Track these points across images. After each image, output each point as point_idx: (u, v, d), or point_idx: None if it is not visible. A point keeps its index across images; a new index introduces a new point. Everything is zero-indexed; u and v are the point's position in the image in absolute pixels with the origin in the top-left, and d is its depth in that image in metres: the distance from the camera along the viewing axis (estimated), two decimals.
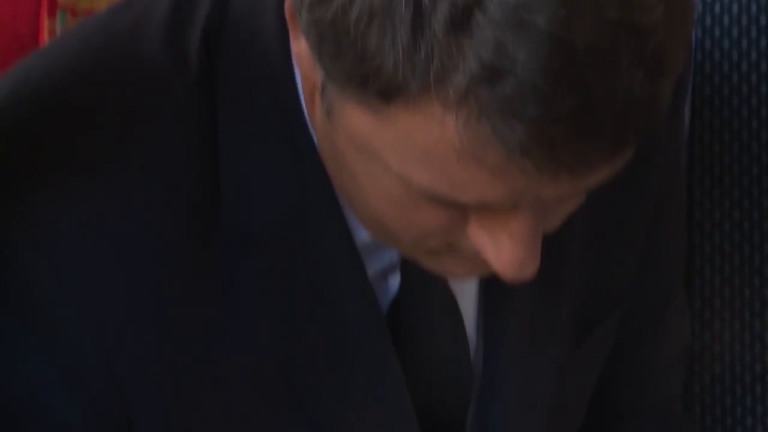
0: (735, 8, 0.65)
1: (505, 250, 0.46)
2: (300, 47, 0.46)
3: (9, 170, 0.54)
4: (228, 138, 0.54)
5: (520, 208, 0.44)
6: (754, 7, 0.65)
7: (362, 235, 0.56)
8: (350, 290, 0.58)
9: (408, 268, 0.57)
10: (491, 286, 0.60)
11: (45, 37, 0.97)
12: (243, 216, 0.55)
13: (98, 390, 0.56)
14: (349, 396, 0.61)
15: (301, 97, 0.52)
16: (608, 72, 0.39)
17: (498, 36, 0.37)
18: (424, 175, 0.43)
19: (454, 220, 0.46)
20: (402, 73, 0.38)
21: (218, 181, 0.55)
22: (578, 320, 0.66)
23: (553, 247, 0.55)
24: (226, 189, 0.55)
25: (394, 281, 0.59)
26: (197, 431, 0.59)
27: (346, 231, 0.56)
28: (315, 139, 0.53)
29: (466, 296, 0.62)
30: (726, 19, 0.65)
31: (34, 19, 1.01)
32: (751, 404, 0.71)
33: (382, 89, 0.40)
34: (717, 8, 0.65)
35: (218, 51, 0.55)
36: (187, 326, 0.56)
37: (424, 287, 0.60)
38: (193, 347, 0.56)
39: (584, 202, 0.51)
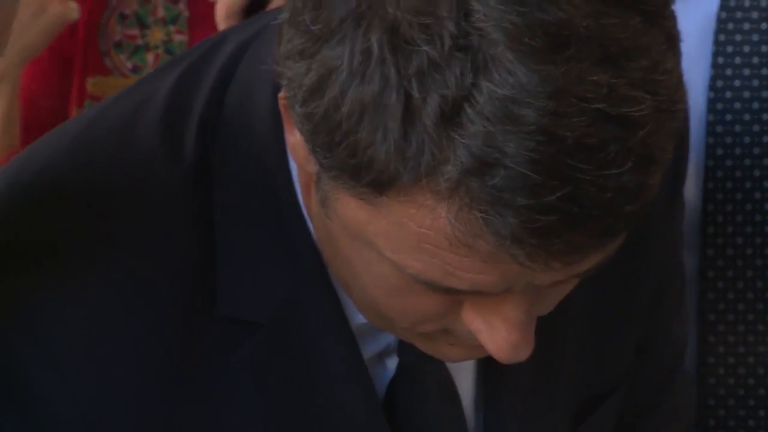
0: (746, 72, 0.66)
1: (499, 333, 0.46)
2: (295, 139, 0.46)
3: (3, 260, 0.54)
4: (224, 228, 0.54)
5: (513, 292, 0.45)
6: (765, 71, 0.65)
7: (359, 318, 0.55)
8: (345, 374, 0.58)
9: (405, 350, 0.56)
10: (489, 369, 0.59)
11: None
12: (239, 303, 0.55)
13: None
14: None
15: (296, 187, 0.52)
16: (597, 163, 0.39)
17: (488, 129, 0.38)
18: (417, 262, 0.43)
19: (448, 306, 0.47)
20: (394, 166, 0.39)
21: (215, 271, 0.54)
22: (577, 402, 0.65)
23: (551, 332, 0.56)
24: (223, 277, 0.54)
25: (392, 363, 0.59)
26: None
27: (341, 316, 0.56)
28: (311, 227, 0.53)
29: (464, 379, 0.61)
30: (737, 82, 0.66)
31: (63, 110, 1.05)
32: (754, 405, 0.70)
33: (374, 181, 0.40)
34: (728, 72, 0.66)
35: (214, 144, 0.55)
36: (182, 416, 0.56)
37: (421, 369, 0.60)
38: None
39: (583, 288, 0.51)
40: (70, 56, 1.03)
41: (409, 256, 0.43)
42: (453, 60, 0.39)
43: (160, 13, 1.02)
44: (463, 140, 0.38)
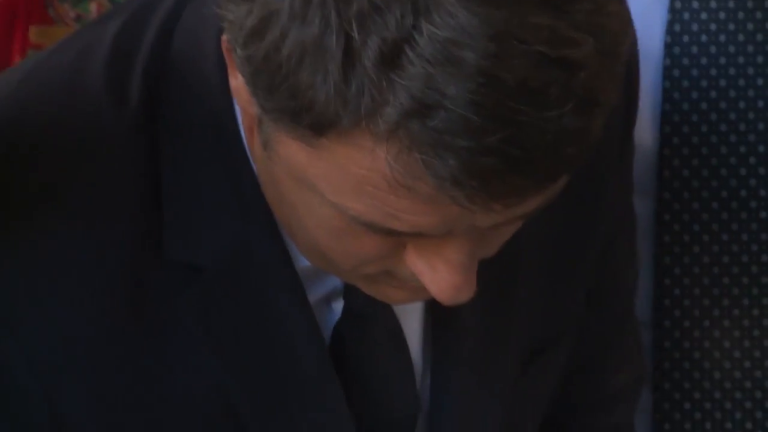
0: (704, 15, 0.66)
1: (441, 275, 0.46)
2: (237, 82, 0.46)
3: None
4: (170, 173, 0.55)
5: (454, 235, 0.45)
6: (722, 14, 0.66)
7: (304, 262, 0.56)
8: (291, 317, 0.59)
9: (351, 293, 0.58)
10: (437, 313, 0.61)
11: None
12: (185, 247, 0.56)
13: (39, 426, 0.57)
14: (292, 425, 0.62)
15: (242, 132, 0.53)
16: (538, 105, 0.39)
17: (428, 71, 0.38)
18: (358, 204, 0.44)
19: (390, 248, 0.47)
20: (333, 108, 0.39)
21: (161, 215, 0.55)
22: (526, 347, 0.66)
23: (501, 276, 0.58)
24: (169, 222, 0.55)
25: (338, 306, 0.60)
26: None
27: (287, 259, 0.57)
28: (256, 171, 0.54)
29: (411, 322, 0.62)
30: (695, 26, 0.66)
31: (5, 59, 1.06)
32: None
33: (314, 123, 0.41)
34: (686, 15, 0.66)
35: (159, 88, 0.56)
36: (129, 362, 0.56)
37: (367, 312, 0.60)
38: (136, 383, 0.57)
39: (536, 233, 0.55)
40: (13, 6, 1.02)
41: (350, 198, 0.44)
42: (394, 2, 0.38)
43: None
44: (402, 82, 0.38)
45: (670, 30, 0.67)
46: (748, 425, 0.73)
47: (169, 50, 0.57)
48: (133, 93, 0.55)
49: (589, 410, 0.77)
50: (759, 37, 0.66)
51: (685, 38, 0.67)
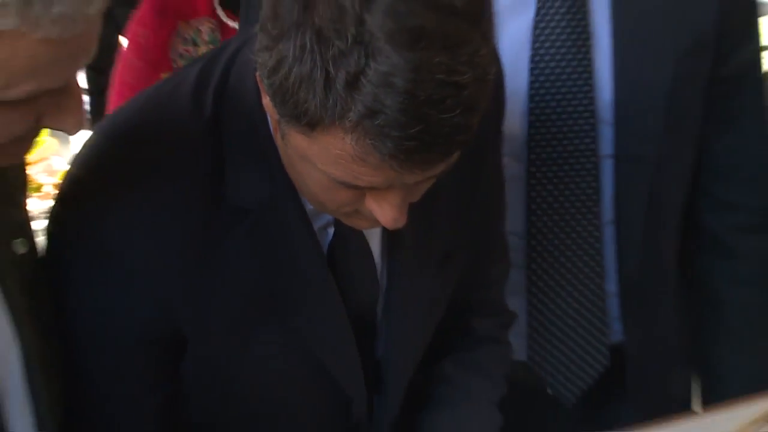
0: (552, 50, 1.04)
1: (386, 212, 0.67)
2: (266, 100, 0.64)
3: (89, 187, 0.76)
4: (229, 154, 0.76)
5: (393, 188, 0.65)
6: (560, 45, 1.05)
7: (309, 206, 0.77)
8: (304, 238, 0.79)
9: (338, 224, 0.80)
10: (387, 233, 0.84)
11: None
12: (239, 198, 0.76)
13: (150, 333, 0.78)
14: (306, 303, 0.82)
15: (271, 130, 0.72)
16: (439, 110, 0.57)
17: (374, 91, 0.56)
18: (336, 171, 0.63)
19: (356, 196, 0.68)
20: (319, 113, 0.57)
21: (224, 180, 0.75)
22: (441, 252, 0.91)
23: (426, 212, 0.81)
24: (228, 184, 0.75)
25: (331, 231, 0.83)
26: (218, 332, 0.79)
27: (300, 205, 0.77)
28: (280, 153, 0.73)
29: (373, 239, 0.86)
30: (547, 55, 1.05)
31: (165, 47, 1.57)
32: None
33: (309, 122, 0.59)
34: (542, 51, 1.04)
35: (222, 105, 0.76)
36: (206, 269, 0.76)
37: (348, 234, 0.83)
38: (210, 283, 0.77)
39: (447, 187, 0.76)
40: (155, 62, 1.51)
41: (331, 167, 0.63)
42: (353, 50, 0.56)
43: (205, 37, 1.55)
44: (359, 98, 0.56)
45: (533, 60, 1.04)
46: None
47: (228, 81, 0.77)
48: (206, 108, 0.76)
49: (480, 287, 1.04)
50: (577, 56, 1.04)
51: (542, 65, 1.03)
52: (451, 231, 0.92)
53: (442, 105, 0.60)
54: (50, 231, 0.82)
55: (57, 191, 0.85)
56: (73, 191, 0.81)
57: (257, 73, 0.67)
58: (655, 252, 1.20)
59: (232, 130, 0.78)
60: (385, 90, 0.58)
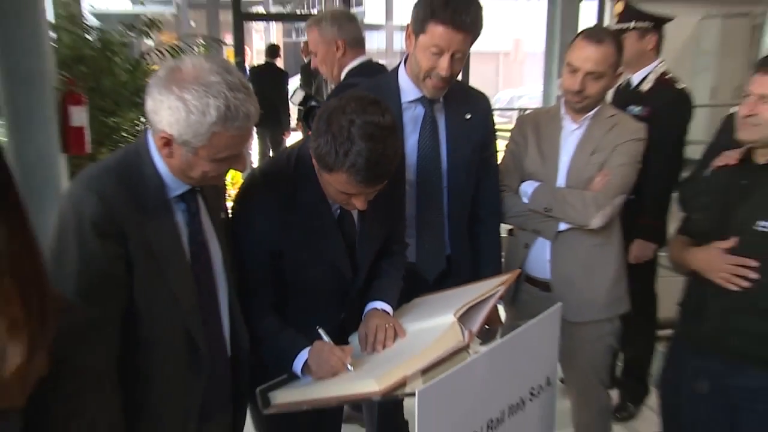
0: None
1: (359, 203, 1.84)
2: (314, 161, 1.81)
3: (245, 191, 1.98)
4: (299, 181, 1.90)
5: (360, 195, 1.81)
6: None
7: (330, 201, 1.92)
8: (328, 213, 1.96)
9: (341, 207, 1.96)
10: (360, 213, 2.00)
11: None
12: (301, 197, 1.90)
13: (271, 245, 1.93)
14: (327, 237, 1.97)
15: (315, 173, 1.85)
16: (380, 166, 1.74)
17: (354, 158, 1.70)
18: (339, 188, 1.79)
19: (350, 197, 1.82)
20: (333, 165, 1.74)
21: (296, 184, 1.90)
22: (381, 219, 2.07)
23: (376, 205, 1.96)
24: (298, 193, 1.91)
25: (337, 208, 1.97)
26: (290, 250, 1.91)
27: (327, 201, 1.92)
28: (320, 182, 1.86)
29: (354, 213, 2.02)
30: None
31: None
32: None
33: (327, 168, 1.76)
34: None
35: (297, 164, 1.93)
36: (287, 224, 1.89)
37: (344, 211, 1.98)
38: (289, 229, 1.89)
39: (382, 195, 1.91)
40: None
41: (339, 186, 1.79)
42: (345, 142, 1.70)
43: None
44: (347, 160, 1.71)
45: (419, 148, 2.44)
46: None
47: (300, 155, 1.93)
48: (291, 165, 1.92)
49: (394, 234, 2.21)
50: (434, 148, 2.55)
51: (422, 151, 2.53)
52: (384, 211, 2.04)
53: (381, 164, 1.72)
54: (235, 204, 1.91)
55: (237, 191, 1.95)
56: (245, 189, 1.91)
57: (311, 150, 1.77)
58: (462, 223, 2.46)
59: (300, 172, 1.89)
60: (357, 158, 1.69)
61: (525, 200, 2.54)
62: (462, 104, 2.42)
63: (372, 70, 3.10)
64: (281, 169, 1.96)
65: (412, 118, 2.36)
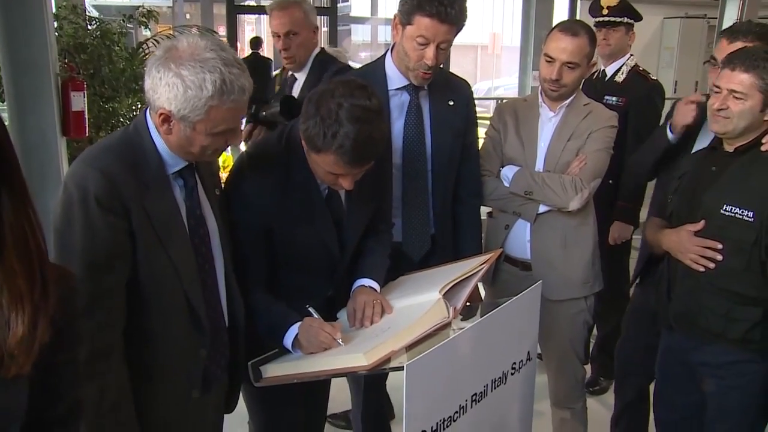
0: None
1: (347, 184, 1.83)
2: (303, 143, 1.80)
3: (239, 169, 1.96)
4: (291, 162, 1.88)
5: (347, 175, 1.82)
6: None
7: (319, 181, 1.91)
8: (317, 192, 1.94)
9: (329, 187, 1.95)
10: (348, 193, 1.98)
11: None
12: (295, 177, 1.89)
13: (264, 222, 1.90)
14: (316, 214, 1.95)
15: (305, 153, 1.84)
16: (366, 147, 1.75)
17: (341, 140, 1.72)
18: (327, 168, 1.80)
19: (337, 177, 1.82)
20: (320, 146, 1.75)
21: (291, 171, 1.88)
22: (367, 198, 2.06)
23: (362, 186, 1.94)
24: (291, 172, 1.88)
25: (325, 188, 1.95)
26: (283, 226, 1.89)
27: (315, 181, 1.91)
28: (309, 162, 1.85)
29: (341, 194, 2.00)
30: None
31: None
32: None
33: (316, 149, 1.77)
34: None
35: (288, 144, 1.92)
36: (281, 203, 1.88)
37: (332, 191, 1.97)
38: (283, 207, 1.88)
39: (368, 176, 1.91)
40: None
41: (327, 167, 1.80)
42: (334, 124, 1.71)
43: None
44: (335, 141, 1.72)
45: (404, 133, 2.45)
46: None
47: (290, 135, 1.92)
48: (282, 144, 1.92)
49: (379, 213, 2.17)
50: (419, 133, 2.54)
51: (408, 136, 2.50)
52: (370, 191, 2.03)
53: (368, 145, 1.74)
54: (227, 185, 1.88)
55: (230, 170, 1.94)
56: (237, 169, 1.91)
57: (300, 132, 1.77)
58: (446, 204, 2.45)
59: (291, 153, 1.87)
60: (345, 139, 1.70)
61: (506, 184, 2.53)
62: (445, 91, 2.42)
63: (330, 58, 3.16)
64: (272, 149, 1.95)
65: (398, 105, 2.36)
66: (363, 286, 2.03)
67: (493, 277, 2.70)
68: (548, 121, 2.59)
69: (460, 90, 2.50)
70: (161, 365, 1.64)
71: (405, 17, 2.19)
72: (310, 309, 1.90)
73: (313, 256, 1.99)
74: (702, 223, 2.16)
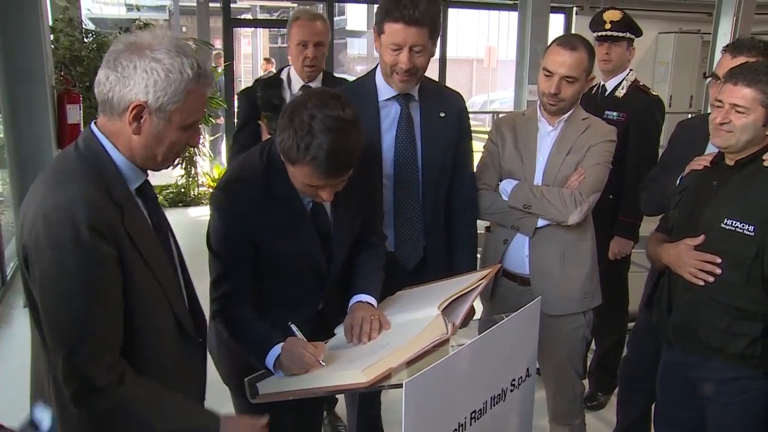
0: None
1: (326, 195, 1.81)
2: (282, 156, 1.78)
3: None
4: (272, 177, 1.86)
5: (326, 187, 1.80)
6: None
7: (300, 194, 1.89)
8: (300, 206, 1.92)
9: (313, 200, 1.92)
10: (333, 205, 1.97)
11: None
12: (277, 189, 1.87)
13: (248, 236, 1.89)
14: (300, 229, 1.94)
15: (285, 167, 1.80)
16: (340, 158, 1.72)
17: (317, 150, 1.69)
18: (305, 181, 1.78)
19: (317, 189, 1.81)
20: (296, 158, 1.73)
21: (272, 185, 1.87)
22: (354, 212, 2.03)
23: (347, 199, 1.96)
24: (273, 186, 1.87)
25: (309, 202, 1.93)
26: (268, 240, 1.88)
27: (297, 194, 1.88)
28: (289, 175, 1.81)
29: (326, 206, 1.97)
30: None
31: None
32: None
33: (292, 161, 1.75)
34: (400, 133, 2.55)
35: (268, 160, 1.88)
36: (263, 215, 1.87)
37: (315, 204, 1.94)
38: (266, 220, 1.87)
39: (352, 189, 1.91)
40: None
41: (304, 179, 1.77)
42: (307, 135, 1.68)
43: None
44: (309, 153, 1.70)
45: (396, 145, 2.40)
46: None
47: (271, 151, 1.89)
48: (264, 161, 1.89)
49: (370, 225, 2.14)
50: (411, 145, 2.51)
51: (399, 148, 2.47)
52: (356, 203, 2.01)
53: (342, 155, 1.71)
54: (212, 201, 1.91)
55: (215, 186, 1.94)
56: (220, 185, 1.90)
57: (278, 146, 1.75)
58: (437, 215, 2.42)
59: (271, 167, 1.87)
60: (318, 151, 1.69)
61: (505, 197, 2.51)
62: (437, 103, 2.42)
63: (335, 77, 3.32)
64: (254, 164, 1.93)
65: (389, 116, 2.37)
66: (360, 302, 2.00)
67: (491, 292, 2.67)
68: (547, 135, 2.57)
69: (452, 101, 2.49)
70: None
71: (378, 27, 2.24)
72: (293, 327, 1.86)
73: (300, 269, 1.98)
74: (702, 237, 2.15)
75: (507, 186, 2.54)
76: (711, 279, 2.09)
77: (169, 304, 1.54)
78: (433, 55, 2.31)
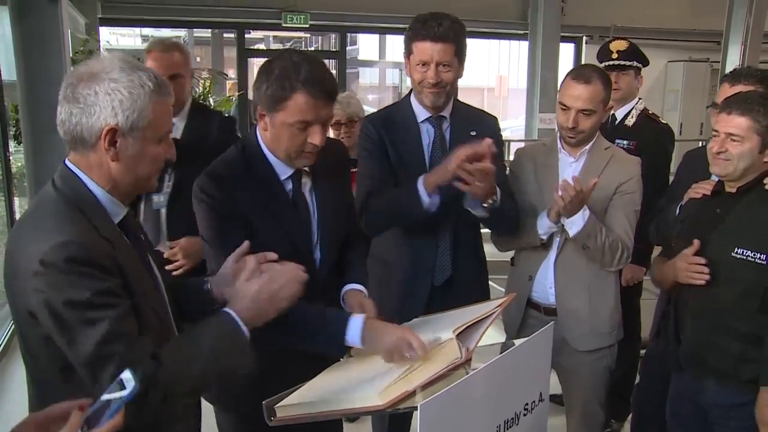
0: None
1: (316, 138, 1.84)
2: (261, 124, 1.89)
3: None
4: (251, 161, 1.92)
5: (317, 125, 1.83)
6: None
7: (283, 178, 1.94)
8: (283, 191, 1.95)
9: (295, 175, 1.95)
10: (318, 198, 2.02)
11: None
12: (258, 173, 1.92)
13: (239, 216, 1.88)
14: (284, 216, 1.95)
15: (260, 142, 1.92)
16: (332, 80, 1.85)
17: (306, 74, 1.79)
18: (297, 117, 1.80)
19: (304, 136, 1.83)
20: (289, 88, 1.78)
21: (252, 169, 1.91)
22: (335, 208, 2.05)
23: (330, 200, 2.04)
24: (254, 170, 1.92)
25: (290, 188, 1.97)
26: (258, 223, 1.89)
27: (278, 179, 1.93)
28: (263, 148, 1.92)
29: (311, 202, 2.02)
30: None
31: None
32: None
33: (282, 100, 1.80)
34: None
35: (244, 147, 1.96)
36: (248, 199, 1.89)
37: (296, 191, 1.98)
38: (249, 203, 1.89)
39: (332, 191, 2.06)
40: None
41: (296, 116, 1.81)
42: (296, 80, 1.78)
43: None
44: (302, 80, 1.78)
45: (430, 156, 2.52)
46: None
47: (248, 141, 1.97)
48: (239, 148, 1.96)
49: (351, 227, 2.17)
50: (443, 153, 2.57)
51: (433, 155, 2.56)
52: (337, 199, 2.07)
53: (329, 80, 1.85)
54: (195, 200, 1.88)
55: (195, 185, 1.89)
56: (199, 181, 1.88)
57: (258, 111, 1.85)
58: (467, 233, 2.57)
59: (249, 153, 1.94)
60: (308, 74, 1.78)
61: (571, 228, 2.48)
62: (469, 123, 2.51)
63: None
64: (231, 152, 2.00)
65: (426, 135, 2.49)
66: (353, 289, 2.04)
67: (520, 325, 2.68)
68: (569, 165, 2.59)
69: (485, 122, 2.56)
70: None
71: (407, 49, 2.40)
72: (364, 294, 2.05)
73: (283, 258, 1.82)
74: (696, 243, 2.20)
75: (578, 218, 2.46)
76: (707, 277, 2.15)
77: (164, 334, 1.53)
78: (460, 76, 2.42)
